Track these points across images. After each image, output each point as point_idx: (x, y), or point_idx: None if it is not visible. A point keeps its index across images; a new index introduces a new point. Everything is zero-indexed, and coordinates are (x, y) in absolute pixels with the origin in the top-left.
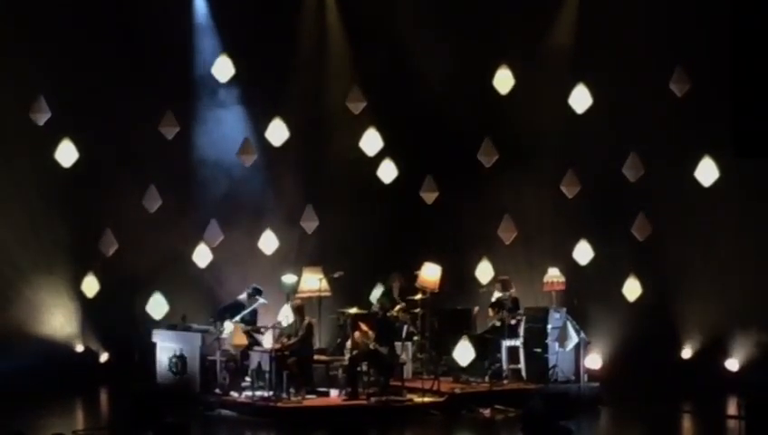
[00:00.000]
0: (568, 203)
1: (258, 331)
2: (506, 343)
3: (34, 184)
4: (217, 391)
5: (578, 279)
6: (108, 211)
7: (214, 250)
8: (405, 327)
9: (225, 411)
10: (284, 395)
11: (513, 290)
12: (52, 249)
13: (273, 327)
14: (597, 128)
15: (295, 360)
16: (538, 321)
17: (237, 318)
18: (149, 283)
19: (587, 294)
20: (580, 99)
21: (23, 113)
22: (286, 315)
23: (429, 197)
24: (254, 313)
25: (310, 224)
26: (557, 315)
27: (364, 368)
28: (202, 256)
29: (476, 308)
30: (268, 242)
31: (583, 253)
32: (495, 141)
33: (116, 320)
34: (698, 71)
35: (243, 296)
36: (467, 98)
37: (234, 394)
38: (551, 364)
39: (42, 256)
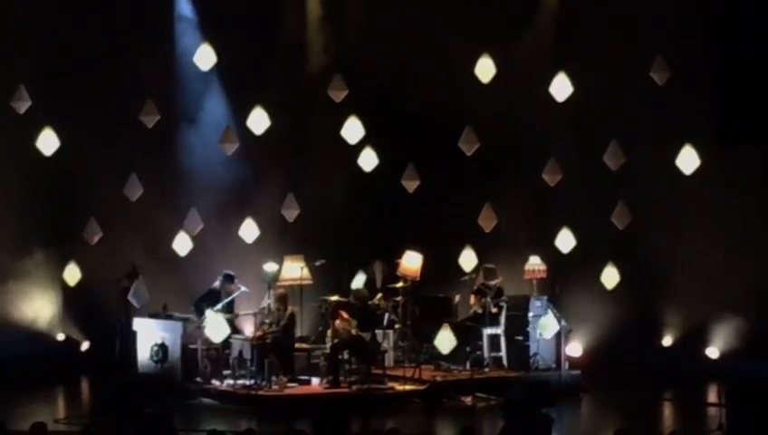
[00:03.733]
0: (550, 191)
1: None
2: (487, 330)
3: (16, 172)
4: (199, 379)
5: (559, 267)
6: (89, 200)
7: (194, 238)
8: (386, 315)
9: (206, 400)
10: (266, 383)
11: (499, 280)
12: (33, 238)
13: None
14: (578, 116)
15: (271, 344)
16: (519, 309)
17: (219, 307)
18: (131, 271)
19: (568, 282)
20: (561, 87)
21: (3, 101)
22: (269, 303)
23: (410, 185)
24: (232, 301)
25: (291, 212)
26: (538, 303)
27: (345, 356)
28: (182, 244)
29: (458, 296)
30: (249, 230)
31: (565, 241)
32: (476, 130)
33: (97, 309)
34: (679, 59)
35: (217, 284)
36: (449, 86)
37: (215, 383)
38: (532, 352)
39: (23, 245)
